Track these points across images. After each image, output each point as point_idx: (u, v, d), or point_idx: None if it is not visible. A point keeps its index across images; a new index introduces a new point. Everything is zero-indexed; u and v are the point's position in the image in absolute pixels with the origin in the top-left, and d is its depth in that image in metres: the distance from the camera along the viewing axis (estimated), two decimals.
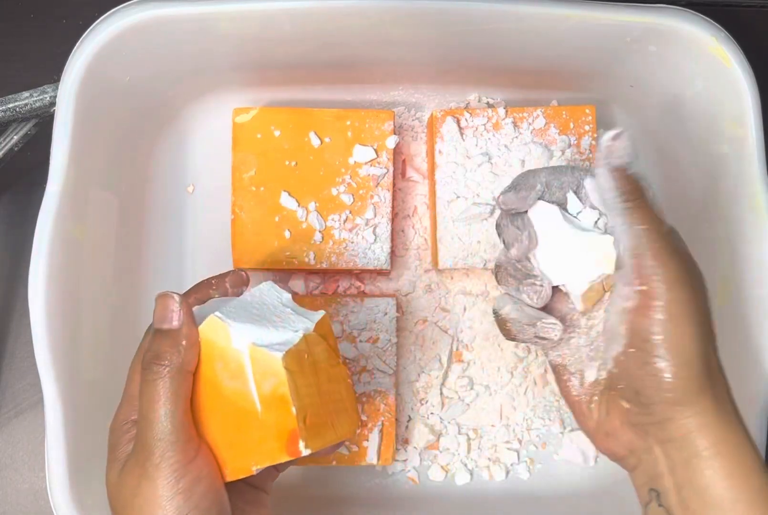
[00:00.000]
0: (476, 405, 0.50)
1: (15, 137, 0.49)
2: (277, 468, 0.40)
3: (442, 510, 0.49)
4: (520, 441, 0.50)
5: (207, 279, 0.39)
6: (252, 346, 0.32)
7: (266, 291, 0.37)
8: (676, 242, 0.35)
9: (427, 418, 0.50)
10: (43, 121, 0.49)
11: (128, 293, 0.48)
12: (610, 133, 0.34)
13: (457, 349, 0.50)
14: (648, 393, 0.34)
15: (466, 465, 0.50)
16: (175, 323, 0.33)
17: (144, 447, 0.32)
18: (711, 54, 0.43)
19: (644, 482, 0.35)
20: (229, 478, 0.34)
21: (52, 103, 0.47)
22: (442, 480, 0.50)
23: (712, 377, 0.33)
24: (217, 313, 0.33)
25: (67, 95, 0.41)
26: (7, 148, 0.49)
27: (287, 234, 0.47)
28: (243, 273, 0.39)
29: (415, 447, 0.50)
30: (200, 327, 0.33)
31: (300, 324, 0.36)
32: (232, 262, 0.47)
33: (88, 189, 0.43)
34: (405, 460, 0.50)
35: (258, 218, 0.47)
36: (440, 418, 0.50)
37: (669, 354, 0.33)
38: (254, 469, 0.33)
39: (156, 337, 0.33)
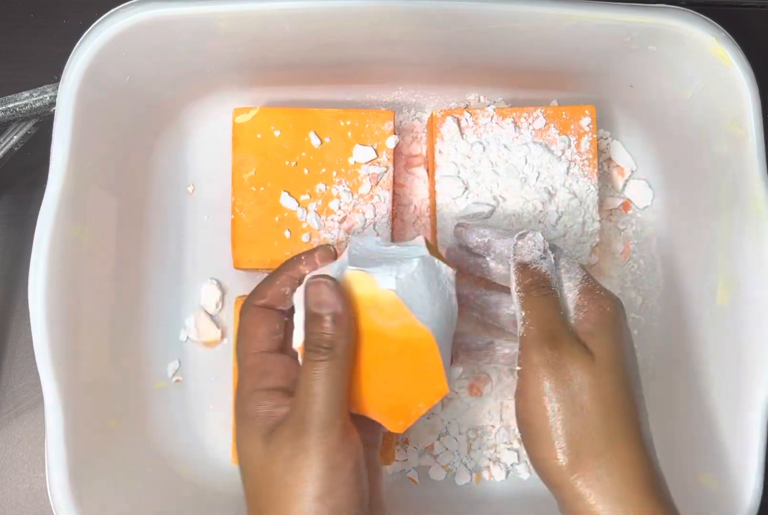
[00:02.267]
0: (476, 405, 0.50)
1: (15, 137, 0.49)
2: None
3: (442, 510, 0.49)
4: (520, 441, 0.50)
5: (297, 256, 0.39)
6: (397, 281, 0.34)
7: (363, 243, 0.38)
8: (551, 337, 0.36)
9: (427, 418, 0.50)
10: (43, 121, 0.49)
11: (128, 293, 0.48)
12: (518, 233, 0.38)
13: (457, 349, 0.50)
14: (535, 469, 0.37)
15: (466, 465, 0.50)
16: (338, 307, 0.34)
17: (303, 423, 0.33)
18: (711, 54, 0.43)
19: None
20: (398, 430, 0.36)
21: (52, 103, 0.47)
22: (442, 480, 0.50)
23: (588, 458, 0.34)
24: (350, 267, 0.35)
25: (67, 95, 0.41)
26: (7, 148, 0.49)
27: (287, 234, 0.47)
28: (331, 247, 0.39)
29: (415, 447, 0.50)
30: (343, 285, 0.35)
31: (414, 252, 0.37)
32: (232, 262, 0.47)
33: (88, 189, 0.43)
34: (405, 460, 0.50)
35: (258, 218, 0.47)
36: (440, 418, 0.50)
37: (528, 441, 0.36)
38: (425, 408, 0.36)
39: (319, 321, 0.34)
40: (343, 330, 0.34)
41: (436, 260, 0.37)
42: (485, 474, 0.50)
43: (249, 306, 0.38)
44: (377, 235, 0.48)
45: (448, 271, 0.38)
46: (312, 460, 0.33)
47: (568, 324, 0.37)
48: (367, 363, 0.35)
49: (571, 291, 0.38)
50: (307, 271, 0.38)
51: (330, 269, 0.37)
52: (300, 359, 0.36)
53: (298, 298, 0.37)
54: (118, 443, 0.45)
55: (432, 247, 0.39)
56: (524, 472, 0.50)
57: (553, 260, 0.38)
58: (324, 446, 0.33)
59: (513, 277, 0.38)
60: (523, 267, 0.38)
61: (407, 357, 0.35)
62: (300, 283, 0.38)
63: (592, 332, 0.36)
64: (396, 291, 0.34)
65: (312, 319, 0.34)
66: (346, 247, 0.38)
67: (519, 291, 0.37)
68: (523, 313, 0.37)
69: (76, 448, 0.40)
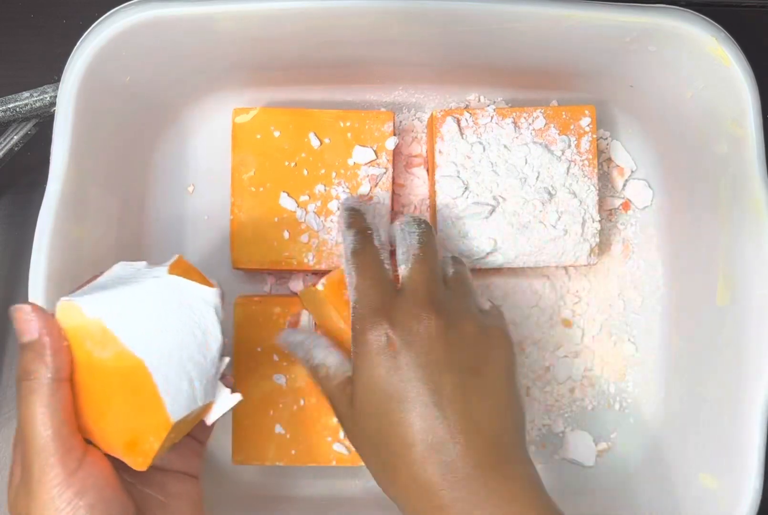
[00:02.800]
0: None
1: (15, 137, 0.49)
2: (200, 441, 0.39)
3: None
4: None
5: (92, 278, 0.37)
6: (107, 307, 0.32)
7: (119, 269, 0.36)
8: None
9: None
10: (43, 121, 0.49)
11: None
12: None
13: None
14: None
15: None
16: (35, 333, 0.31)
17: (26, 465, 0.31)
18: (711, 54, 0.43)
19: None
20: (139, 467, 0.32)
21: (52, 103, 0.47)
22: None
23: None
24: (63, 298, 0.32)
25: (67, 95, 0.41)
26: (7, 148, 0.49)
27: (286, 234, 0.47)
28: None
29: None
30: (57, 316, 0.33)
31: (153, 274, 0.35)
32: (231, 263, 0.47)
33: (88, 189, 0.43)
34: None
35: (257, 218, 0.47)
36: None
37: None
38: (156, 446, 0.32)
39: (21, 352, 0.32)
40: (43, 357, 0.31)
41: (181, 280, 0.34)
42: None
43: None
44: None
45: (203, 292, 0.35)
46: (40, 506, 0.30)
47: None
48: (92, 398, 0.32)
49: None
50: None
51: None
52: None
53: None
54: None
55: (185, 268, 0.36)
56: None
57: None
58: (47, 486, 0.30)
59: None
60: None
61: (126, 388, 0.32)
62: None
63: None
64: (102, 318, 0.32)
65: (19, 349, 0.32)
66: None
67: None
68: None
69: None
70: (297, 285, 0.50)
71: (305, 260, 0.47)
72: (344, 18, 0.42)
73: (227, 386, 0.36)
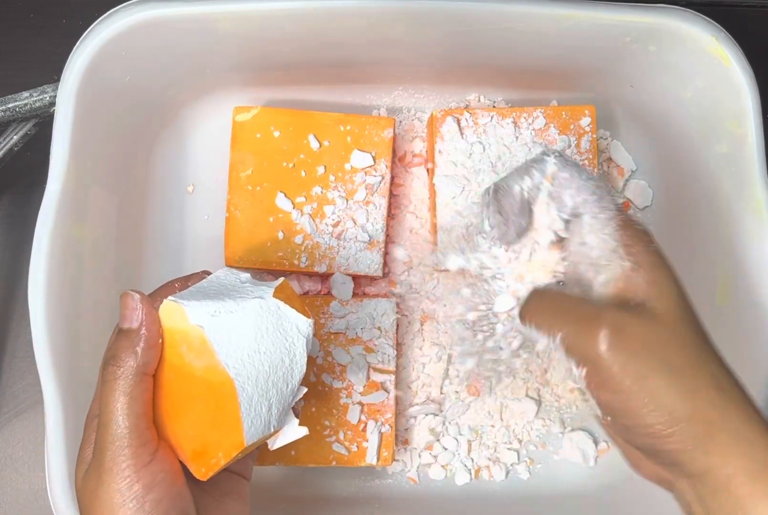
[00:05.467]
0: (476, 405, 0.50)
1: (15, 137, 0.49)
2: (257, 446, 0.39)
3: (442, 510, 0.49)
4: (520, 441, 0.50)
5: (171, 281, 0.37)
6: (211, 318, 0.32)
7: (223, 276, 0.36)
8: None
9: (427, 418, 0.50)
10: (43, 121, 0.49)
11: None
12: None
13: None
14: (640, 444, 0.32)
15: (466, 465, 0.50)
16: (135, 323, 0.32)
17: (99, 451, 0.31)
18: (711, 54, 0.43)
19: (682, 505, 0.33)
20: (201, 477, 0.33)
21: (52, 103, 0.47)
22: (442, 480, 0.50)
23: (713, 408, 0.31)
24: (170, 297, 0.33)
25: (67, 95, 0.41)
26: (7, 148, 0.49)
27: (281, 235, 0.47)
28: (206, 276, 0.37)
29: (415, 448, 0.50)
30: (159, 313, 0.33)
31: (258, 293, 0.35)
32: (224, 260, 0.47)
33: (88, 188, 0.43)
34: (405, 460, 0.50)
35: (253, 217, 0.47)
36: (440, 418, 0.50)
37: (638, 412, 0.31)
38: (224, 459, 0.33)
39: (117, 337, 0.33)
40: (134, 348, 0.32)
41: (282, 305, 0.34)
42: (485, 474, 0.50)
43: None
44: None
45: (299, 321, 0.35)
46: (109, 492, 0.30)
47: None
48: (172, 400, 0.33)
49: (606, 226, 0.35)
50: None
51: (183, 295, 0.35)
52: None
53: None
54: None
55: (288, 294, 0.36)
56: (524, 472, 0.50)
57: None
58: (118, 476, 0.30)
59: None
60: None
61: (209, 400, 0.32)
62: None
63: (653, 280, 0.34)
64: (205, 328, 0.32)
65: (114, 333, 0.33)
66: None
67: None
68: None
69: (76, 448, 0.40)
70: (292, 285, 0.50)
71: (296, 262, 0.47)
72: (344, 18, 0.42)
73: (296, 415, 0.37)
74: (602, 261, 0.34)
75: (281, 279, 0.36)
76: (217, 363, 0.32)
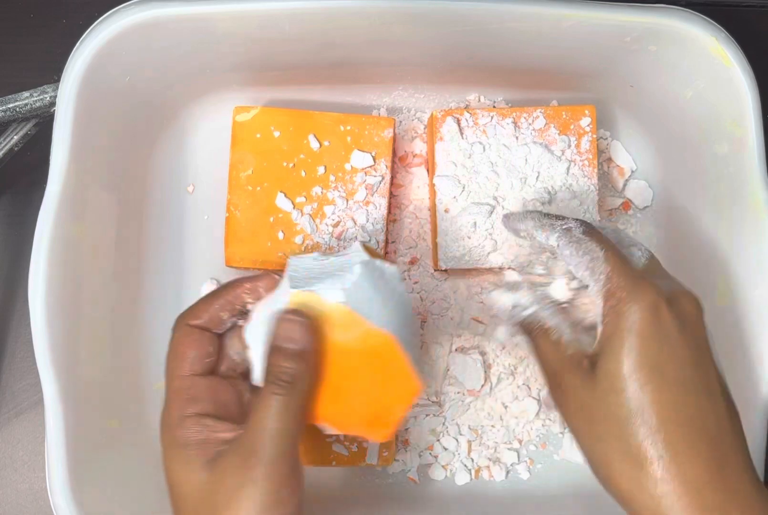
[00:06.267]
0: (476, 405, 0.50)
1: (15, 137, 0.49)
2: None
3: (442, 510, 0.49)
4: (520, 441, 0.50)
5: (239, 280, 0.38)
6: (344, 292, 0.34)
7: (298, 261, 0.38)
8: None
9: (427, 418, 0.50)
10: (43, 121, 0.49)
11: (128, 293, 0.48)
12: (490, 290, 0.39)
13: (457, 350, 0.50)
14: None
15: (466, 465, 0.50)
16: (305, 345, 0.34)
17: (254, 455, 0.33)
18: (711, 54, 0.43)
19: None
20: (384, 439, 0.36)
21: (52, 103, 0.47)
22: (442, 480, 0.50)
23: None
24: (292, 290, 0.34)
25: (67, 95, 0.41)
26: (7, 148, 0.49)
27: (281, 235, 0.47)
28: (276, 276, 0.38)
29: (415, 448, 0.50)
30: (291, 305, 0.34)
31: (355, 259, 0.36)
32: (224, 260, 0.47)
33: (88, 189, 0.43)
34: (405, 460, 0.50)
35: (252, 217, 0.47)
36: (440, 418, 0.50)
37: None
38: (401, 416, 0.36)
39: (284, 355, 0.34)
40: (306, 367, 0.34)
41: (378, 261, 0.36)
42: (485, 474, 0.50)
43: (182, 325, 0.37)
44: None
45: (392, 270, 0.37)
46: (259, 493, 0.32)
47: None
48: (335, 382, 0.35)
49: (594, 296, 0.35)
50: (248, 300, 0.38)
51: (275, 298, 0.36)
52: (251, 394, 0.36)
53: (253, 334, 0.36)
54: (119, 443, 0.45)
55: (370, 250, 0.38)
56: (524, 472, 0.50)
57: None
58: (273, 480, 0.33)
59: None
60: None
61: (374, 364, 0.35)
62: (239, 311, 0.37)
63: (604, 348, 0.34)
64: (346, 302, 0.34)
65: (277, 352, 0.34)
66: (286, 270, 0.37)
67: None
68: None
69: (76, 448, 0.40)
70: None
71: None
72: (344, 18, 0.42)
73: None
74: (586, 322, 0.36)
75: (357, 242, 0.38)
76: (370, 327, 0.34)
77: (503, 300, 0.38)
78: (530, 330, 0.37)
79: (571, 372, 0.34)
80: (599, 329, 0.34)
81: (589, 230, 0.36)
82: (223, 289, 0.38)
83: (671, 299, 0.34)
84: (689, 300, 0.35)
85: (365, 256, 0.37)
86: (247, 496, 0.32)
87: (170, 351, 0.37)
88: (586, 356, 0.35)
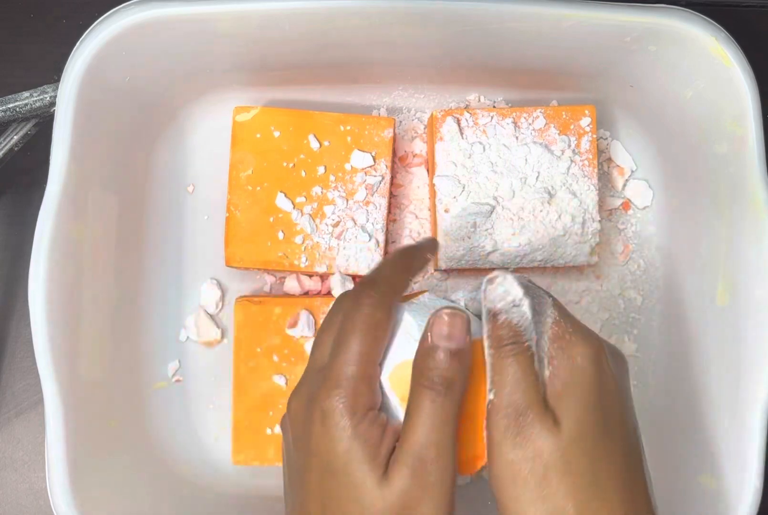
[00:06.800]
0: None
1: (15, 137, 0.49)
2: None
3: None
4: None
5: (408, 250, 0.36)
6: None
7: (426, 299, 0.36)
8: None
9: None
10: (43, 121, 0.49)
11: (128, 293, 0.48)
12: (487, 277, 0.33)
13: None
14: None
15: None
16: (466, 345, 0.31)
17: (424, 469, 0.30)
18: (711, 54, 0.43)
19: None
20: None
21: (52, 103, 0.47)
22: None
23: None
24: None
25: (67, 95, 0.41)
26: (7, 148, 0.49)
27: (281, 235, 0.47)
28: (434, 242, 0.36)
29: None
30: None
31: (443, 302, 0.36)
32: (224, 260, 0.47)
33: (88, 189, 0.43)
34: None
35: (253, 217, 0.47)
36: None
37: None
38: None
39: (443, 356, 0.31)
40: (464, 368, 0.31)
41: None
42: (485, 474, 0.50)
43: (388, 302, 0.33)
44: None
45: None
46: (432, 509, 0.30)
47: (539, 387, 0.32)
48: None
49: (542, 339, 0.33)
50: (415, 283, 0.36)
51: (401, 344, 0.33)
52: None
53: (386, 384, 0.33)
54: (118, 443, 0.45)
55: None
56: None
57: (528, 306, 0.33)
58: (444, 494, 0.31)
59: (484, 327, 0.33)
60: (492, 317, 0.33)
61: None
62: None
63: (560, 394, 0.32)
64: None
65: (435, 352, 0.31)
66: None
67: (489, 347, 0.33)
68: (491, 378, 0.32)
69: (76, 448, 0.40)
70: (292, 285, 0.50)
71: (297, 262, 0.47)
72: (344, 18, 0.42)
73: None
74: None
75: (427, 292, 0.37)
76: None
77: (502, 288, 0.34)
78: (508, 337, 0.32)
79: (539, 413, 0.31)
80: (546, 371, 0.32)
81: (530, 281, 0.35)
82: (385, 274, 0.34)
83: (606, 348, 0.34)
84: (617, 351, 0.35)
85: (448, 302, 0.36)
86: (421, 511, 0.30)
87: (366, 326, 0.32)
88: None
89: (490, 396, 0.32)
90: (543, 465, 0.31)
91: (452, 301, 0.36)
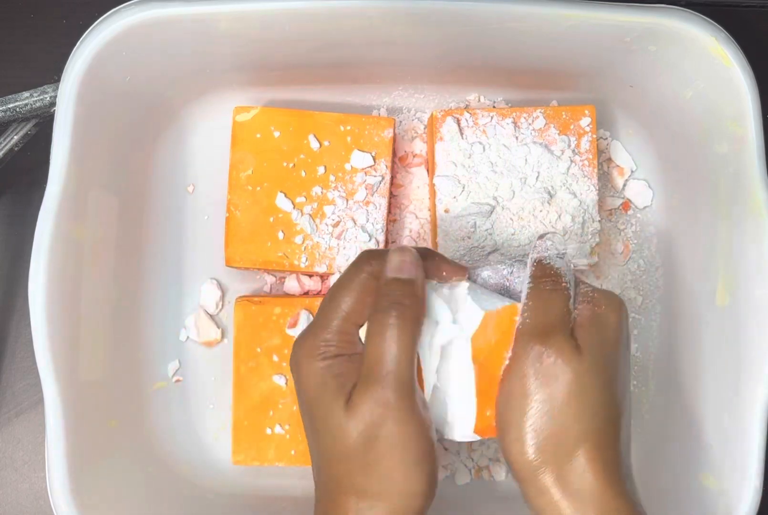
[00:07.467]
0: None
1: (15, 137, 0.49)
2: None
3: (442, 510, 0.49)
4: None
5: (442, 259, 0.38)
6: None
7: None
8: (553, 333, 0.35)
9: None
10: (43, 121, 0.49)
11: (128, 293, 0.48)
12: (539, 235, 0.38)
13: None
14: (505, 460, 0.36)
15: (466, 465, 0.50)
16: (413, 275, 0.35)
17: (380, 387, 0.32)
18: (711, 54, 0.43)
19: None
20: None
21: (52, 103, 0.47)
22: (442, 480, 0.50)
23: (558, 455, 0.33)
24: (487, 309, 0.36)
25: (67, 95, 0.41)
26: (7, 148, 0.49)
27: (281, 235, 0.47)
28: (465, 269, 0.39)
29: None
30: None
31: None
32: (224, 260, 0.47)
33: (88, 189, 0.43)
34: None
35: (253, 217, 0.47)
36: None
37: (501, 426, 0.35)
38: None
39: (395, 284, 0.34)
40: (414, 296, 0.34)
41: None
42: (485, 474, 0.50)
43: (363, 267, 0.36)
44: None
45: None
46: (408, 424, 0.32)
47: (569, 318, 0.35)
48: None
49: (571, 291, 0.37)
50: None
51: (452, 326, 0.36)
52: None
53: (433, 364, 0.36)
54: (118, 443, 0.45)
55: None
56: None
57: (570, 261, 0.37)
58: (413, 411, 0.33)
59: (527, 272, 0.37)
60: (538, 263, 0.37)
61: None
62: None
63: (584, 329, 0.35)
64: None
65: (387, 282, 0.34)
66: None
67: (529, 283, 0.36)
68: (527, 304, 0.36)
69: (76, 448, 0.40)
70: (292, 285, 0.50)
71: (297, 263, 0.47)
72: (345, 18, 0.42)
73: None
74: None
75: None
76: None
77: (550, 242, 0.38)
78: (550, 275, 0.36)
79: (566, 336, 0.34)
80: (574, 314, 0.36)
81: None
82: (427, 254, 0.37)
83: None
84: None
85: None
86: (387, 427, 0.32)
87: (357, 289, 0.35)
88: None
89: (521, 322, 0.35)
90: (558, 384, 0.33)
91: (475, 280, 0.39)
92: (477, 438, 0.37)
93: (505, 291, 0.38)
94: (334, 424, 0.33)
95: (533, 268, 0.37)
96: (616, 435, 0.34)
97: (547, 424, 0.33)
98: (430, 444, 0.33)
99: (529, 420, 0.34)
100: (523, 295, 0.36)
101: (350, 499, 0.33)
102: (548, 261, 0.37)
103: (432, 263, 0.37)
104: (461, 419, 0.36)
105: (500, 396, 0.35)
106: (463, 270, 0.38)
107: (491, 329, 0.35)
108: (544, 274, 0.36)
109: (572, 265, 0.38)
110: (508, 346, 0.35)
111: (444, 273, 0.37)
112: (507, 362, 0.35)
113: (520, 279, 0.38)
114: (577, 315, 0.36)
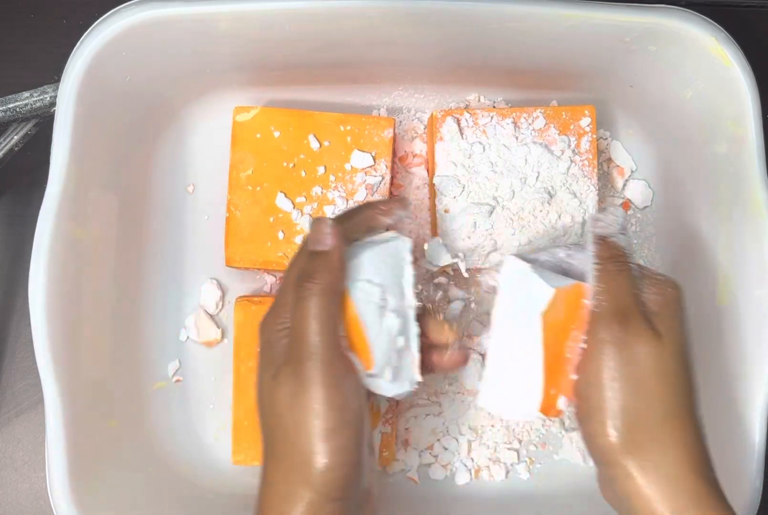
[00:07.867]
0: (476, 405, 0.50)
1: (15, 137, 0.49)
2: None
3: (442, 510, 0.49)
4: (520, 441, 0.50)
5: (373, 203, 0.39)
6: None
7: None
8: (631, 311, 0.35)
9: (427, 418, 0.50)
10: (43, 121, 0.49)
11: (128, 293, 0.48)
12: (599, 208, 0.39)
13: None
14: (586, 444, 0.36)
15: (466, 465, 0.50)
16: (328, 246, 0.35)
17: (298, 362, 0.33)
18: (711, 54, 0.43)
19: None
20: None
21: (52, 103, 0.47)
22: (442, 480, 0.50)
23: (643, 438, 0.33)
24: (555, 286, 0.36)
25: (67, 95, 0.41)
26: (7, 148, 0.49)
27: (281, 235, 0.47)
28: (405, 198, 0.40)
29: (415, 447, 0.50)
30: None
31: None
32: (224, 260, 0.47)
33: (88, 189, 0.43)
34: (405, 460, 0.50)
35: (253, 217, 0.47)
36: (440, 418, 0.50)
37: (586, 410, 0.35)
38: None
39: (309, 258, 0.36)
40: (328, 267, 0.35)
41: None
42: (485, 474, 0.50)
43: (305, 246, 0.38)
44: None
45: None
46: (314, 398, 0.33)
47: (641, 302, 0.36)
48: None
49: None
50: (384, 220, 0.39)
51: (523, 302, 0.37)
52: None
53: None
54: (118, 443, 0.45)
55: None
56: (524, 472, 0.50)
57: (631, 237, 0.37)
58: (320, 386, 0.33)
59: (591, 249, 0.37)
60: (601, 240, 0.37)
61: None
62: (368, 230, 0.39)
63: (657, 313, 0.35)
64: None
65: (309, 257, 0.36)
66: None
67: (596, 264, 0.36)
68: (598, 287, 0.36)
69: (76, 448, 0.40)
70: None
71: None
72: (345, 18, 0.42)
73: None
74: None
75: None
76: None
77: (612, 217, 0.38)
78: (617, 255, 0.36)
79: (643, 320, 0.35)
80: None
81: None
82: (353, 211, 0.39)
83: None
84: None
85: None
86: (299, 404, 0.33)
87: (288, 268, 0.38)
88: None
89: (595, 305, 0.35)
90: (641, 368, 0.34)
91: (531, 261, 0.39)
92: (541, 417, 0.37)
93: (564, 274, 0.38)
94: (264, 394, 0.35)
95: (598, 247, 0.37)
96: (693, 414, 0.35)
97: (633, 408, 0.34)
98: (344, 418, 0.33)
99: (614, 403, 0.34)
100: (590, 276, 0.36)
101: (272, 464, 0.34)
102: (612, 238, 0.37)
103: (370, 212, 0.38)
104: (526, 397, 0.36)
105: (581, 379, 0.35)
106: (402, 199, 0.39)
107: (561, 307, 0.36)
108: (611, 254, 0.36)
109: (633, 241, 0.37)
110: (576, 326, 0.35)
111: (386, 210, 0.38)
112: (582, 345, 0.35)
113: (579, 261, 0.38)
114: (648, 300, 0.36)
